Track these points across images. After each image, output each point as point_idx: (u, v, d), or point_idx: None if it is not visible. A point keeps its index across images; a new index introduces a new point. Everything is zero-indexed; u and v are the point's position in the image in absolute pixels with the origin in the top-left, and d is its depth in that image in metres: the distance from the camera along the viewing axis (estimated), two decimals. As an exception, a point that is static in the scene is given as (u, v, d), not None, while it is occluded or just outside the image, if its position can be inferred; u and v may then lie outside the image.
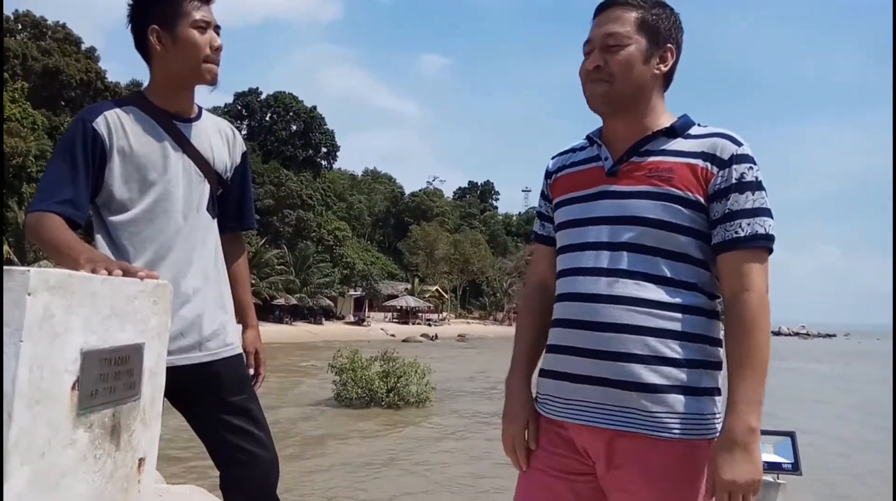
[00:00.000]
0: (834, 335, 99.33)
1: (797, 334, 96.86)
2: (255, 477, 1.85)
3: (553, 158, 1.64)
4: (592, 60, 1.43)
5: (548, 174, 1.63)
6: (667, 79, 1.47)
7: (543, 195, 1.65)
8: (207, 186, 1.88)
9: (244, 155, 2.04)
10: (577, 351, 1.39)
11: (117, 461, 1.21)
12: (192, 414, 1.87)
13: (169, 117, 1.83)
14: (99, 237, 1.78)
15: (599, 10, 1.47)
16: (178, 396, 1.81)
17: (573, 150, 1.60)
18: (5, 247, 28.45)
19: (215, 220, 1.92)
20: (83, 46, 44.38)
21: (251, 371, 2.04)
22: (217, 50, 1.80)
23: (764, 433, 3.16)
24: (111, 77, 44.44)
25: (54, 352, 1.04)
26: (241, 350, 1.95)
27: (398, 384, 13.38)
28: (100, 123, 1.73)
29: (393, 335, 43.68)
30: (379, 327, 49.98)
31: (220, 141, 1.95)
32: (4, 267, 1.03)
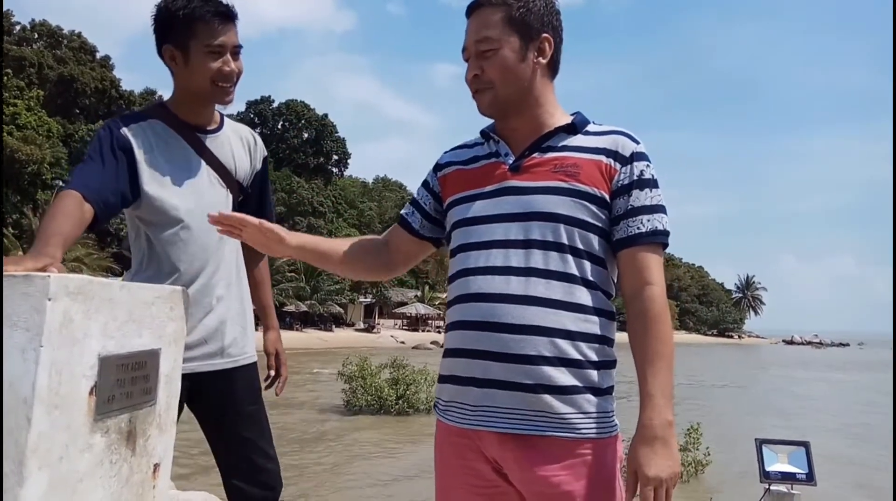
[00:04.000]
0: (848, 345, 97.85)
1: (810, 343, 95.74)
2: (257, 488, 1.88)
3: (445, 153, 1.60)
4: (470, 69, 1.43)
5: (438, 167, 1.58)
6: (552, 68, 1.46)
7: (425, 185, 1.60)
8: (230, 196, 1.90)
9: (265, 160, 2.06)
10: (484, 355, 1.33)
11: (133, 466, 1.22)
12: (207, 422, 1.90)
13: (191, 129, 1.85)
14: (138, 252, 1.82)
15: (468, 14, 1.45)
16: (197, 402, 1.84)
17: (466, 146, 1.57)
18: (20, 253, 28.67)
19: None
20: (98, 55, 44.86)
21: (272, 372, 2.07)
22: (228, 75, 1.78)
23: (778, 442, 3.15)
24: (125, 86, 44.89)
25: (73, 357, 1.05)
26: (256, 358, 1.97)
27: (408, 392, 13.36)
28: (126, 132, 1.76)
29: (403, 343, 43.61)
30: (389, 334, 49.94)
31: (242, 149, 1.97)
32: (25, 273, 1.04)
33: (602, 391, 1.35)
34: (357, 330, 52.52)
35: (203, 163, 1.84)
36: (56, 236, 1.42)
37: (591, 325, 1.35)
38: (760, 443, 3.05)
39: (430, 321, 58.89)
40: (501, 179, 1.42)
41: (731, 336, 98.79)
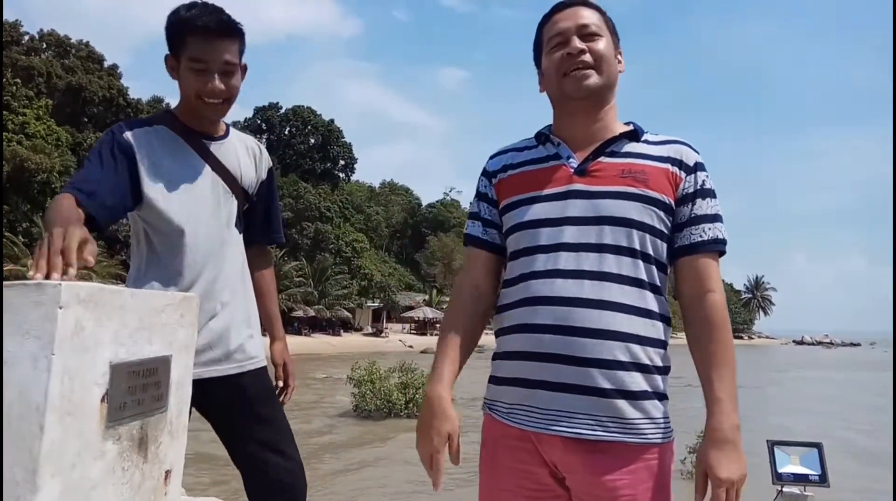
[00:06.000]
0: (859, 344, 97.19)
1: (821, 343, 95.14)
2: (278, 492, 1.87)
3: (492, 158, 1.56)
4: (575, 45, 1.41)
5: (490, 174, 1.54)
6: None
7: (485, 198, 1.54)
8: (235, 203, 1.91)
9: (270, 170, 2.06)
10: (556, 358, 1.33)
11: (145, 473, 1.22)
12: (219, 426, 1.90)
13: (197, 136, 1.86)
14: (139, 257, 1.82)
15: (561, 7, 1.47)
16: (206, 408, 1.85)
17: (517, 149, 1.54)
18: (29, 261, 28.84)
19: (242, 235, 1.95)
20: (106, 64, 45.13)
21: (280, 383, 2.07)
22: (208, 93, 1.75)
23: (790, 444, 3.13)
24: (133, 94, 45.14)
25: (84, 365, 1.05)
26: (265, 363, 1.97)
27: (417, 396, 13.36)
28: (129, 136, 1.77)
29: (411, 347, 43.62)
30: (397, 338, 49.93)
31: (247, 158, 1.97)
32: (36, 281, 1.05)
33: (664, 396, 1.38)
34: (365, 335, 52.58)
35: (208, 168, 1.85)
36: (73, 219, 1.42)
37: (658, 331, 1.37)
38: (772, 445, 3.02)
39: (438, 325, 58.78)
40: (567, 182, 1.42)
41: (741, 337, 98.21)
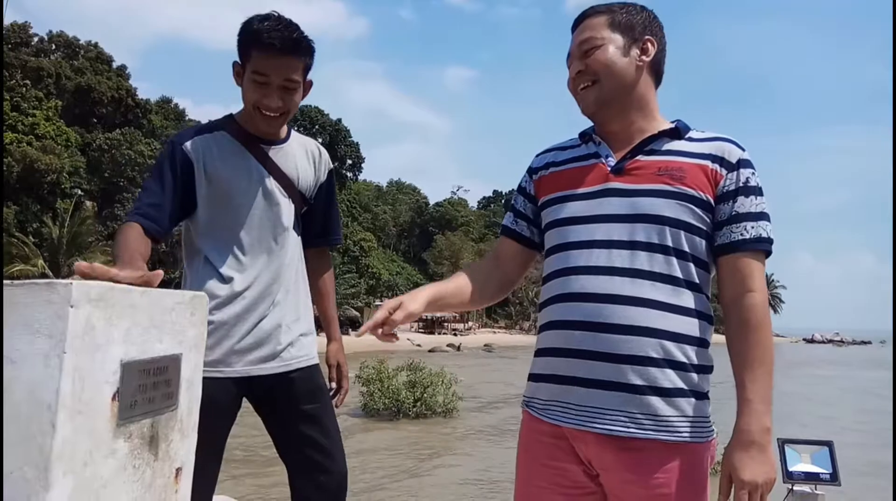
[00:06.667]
0: (869, 343, 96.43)
1: (831, 341, 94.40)
2: (320, 489, 1.89)
3: (538, 156, 1.60)
4: (574, 67, 1.45)
5: (533, 171, 1.58)
6: (655, 73, 1.47)
7: (523, 192, 1.60)
8: (292, 206, 1.93)
9: (330, 173, 2.09)
10: (589, 355, 1.33)
11: (156, 470, 1.23)
12: (270, 422, 1.94)
13: (256, 141, 1.89)
14: (195, 260, 1.85)
15: (572, 30, 1.49)
16: (258, 404, 1.90)
17: (562, 147, 1.57)
18: (40, 261, 29.08)
19: (299, 237, 1.98)
20: (114, 65, 45.35)
21: (333, 385, 2.09)
22: (266, 107, 1.79)
23: (801, 442, 3.11)
24: (141, 94, 45.33)
25: (95, 363, 1.06)
26: (316, 361, 1.99)
27: (425, 395, 13.38)
28: (188, 146, 1.81)
29: (419, 345, 43.65)
30: (405, 337, 49.97)
31: (307, 161, 2.00)
32: (47, 280, 1.05)
33: (702, 395, 1.36)
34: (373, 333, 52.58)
35: (265, 173, 1.88)
36: (137, 253, 1.58)
37: (695, 328, 1.35)
38: (783, 443, 3.01)
39: (445, 324, 58.88)
40: (603, 180, 1.42)
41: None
